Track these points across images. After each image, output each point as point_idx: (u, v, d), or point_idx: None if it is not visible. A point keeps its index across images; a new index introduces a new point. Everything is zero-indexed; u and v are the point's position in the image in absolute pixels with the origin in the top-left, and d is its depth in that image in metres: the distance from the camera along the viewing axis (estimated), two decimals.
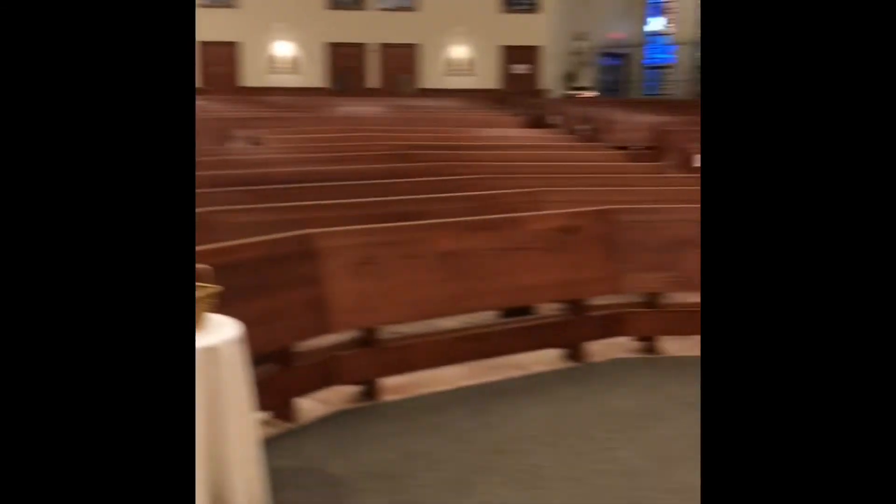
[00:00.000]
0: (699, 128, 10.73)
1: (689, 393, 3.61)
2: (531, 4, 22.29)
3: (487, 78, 22.13)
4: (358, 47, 21.69)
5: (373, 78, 21.95)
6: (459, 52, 22.23)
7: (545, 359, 4.01)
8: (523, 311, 4.21)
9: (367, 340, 3.57)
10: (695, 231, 4.16)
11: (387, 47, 21.80)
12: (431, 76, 22.08)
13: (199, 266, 2.22)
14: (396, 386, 3.65)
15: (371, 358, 3.57)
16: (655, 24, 25.61)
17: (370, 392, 3.57)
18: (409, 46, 21.87)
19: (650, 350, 4.15)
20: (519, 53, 22.40)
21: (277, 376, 3.23)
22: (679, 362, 4.02)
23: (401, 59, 21.89)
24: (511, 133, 9.08)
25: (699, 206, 4.47)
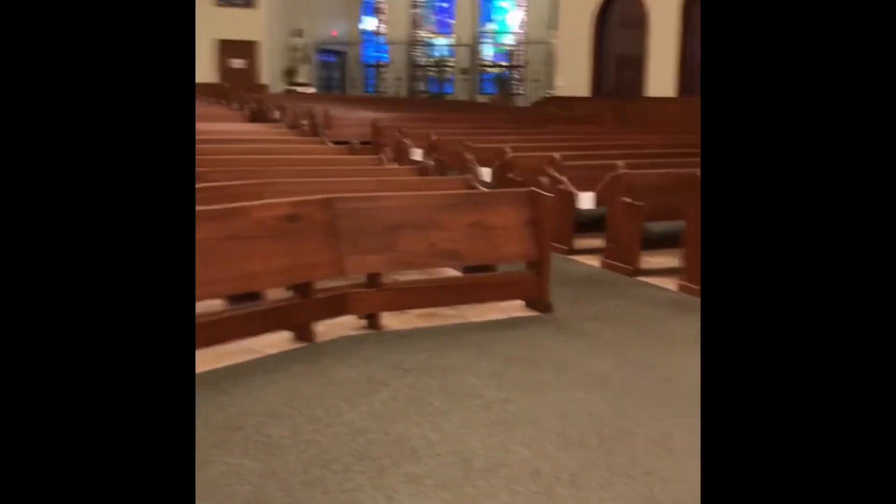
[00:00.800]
0: (413, 123, 11.43)
1: (406, 360, 4.02)
2: None
3: (203, 72, 21.50)
4: None
5: None
6: None
7: (276, 341, 4.21)
8: (252, 296, 4.36)
9: None
10: (409, 216, 4.59)
11: None
12: None
13: None
14: None
15: None
16: (369, 23, 26.51)
17: None
18: None
19: (373, 326, 4.51)
20: (236, 48, 22.05)
21: None
22: (398, 335, 4.43)
23: None
24: (233, 127, 9.08)
25: (413, 193, 4.91)
